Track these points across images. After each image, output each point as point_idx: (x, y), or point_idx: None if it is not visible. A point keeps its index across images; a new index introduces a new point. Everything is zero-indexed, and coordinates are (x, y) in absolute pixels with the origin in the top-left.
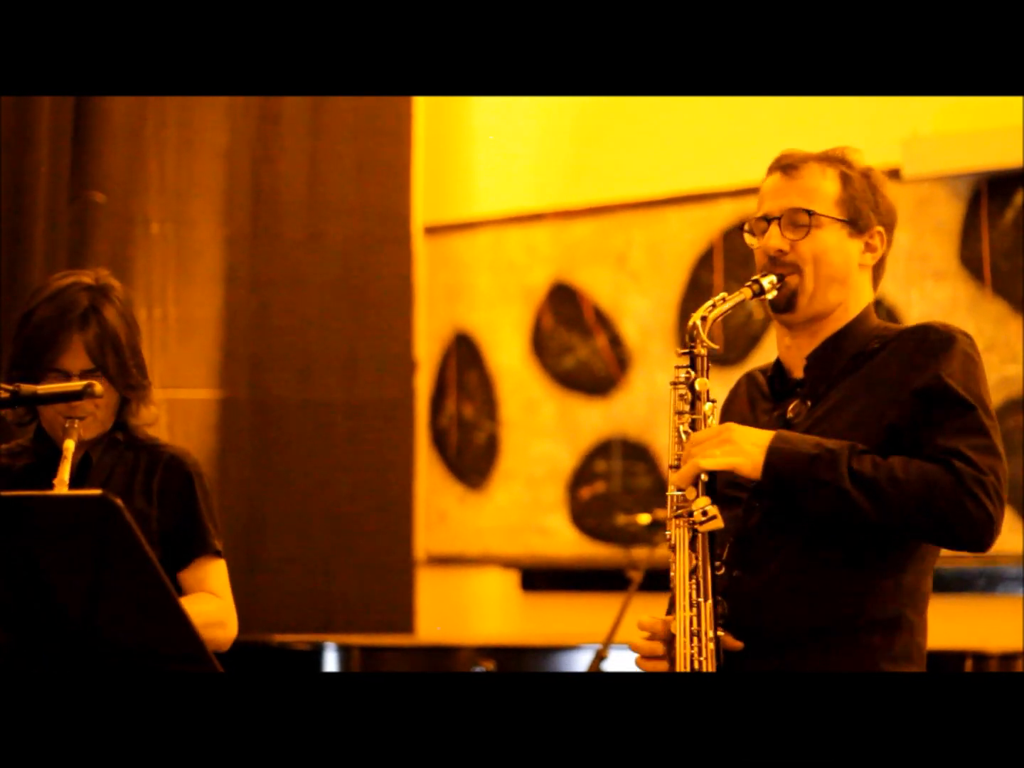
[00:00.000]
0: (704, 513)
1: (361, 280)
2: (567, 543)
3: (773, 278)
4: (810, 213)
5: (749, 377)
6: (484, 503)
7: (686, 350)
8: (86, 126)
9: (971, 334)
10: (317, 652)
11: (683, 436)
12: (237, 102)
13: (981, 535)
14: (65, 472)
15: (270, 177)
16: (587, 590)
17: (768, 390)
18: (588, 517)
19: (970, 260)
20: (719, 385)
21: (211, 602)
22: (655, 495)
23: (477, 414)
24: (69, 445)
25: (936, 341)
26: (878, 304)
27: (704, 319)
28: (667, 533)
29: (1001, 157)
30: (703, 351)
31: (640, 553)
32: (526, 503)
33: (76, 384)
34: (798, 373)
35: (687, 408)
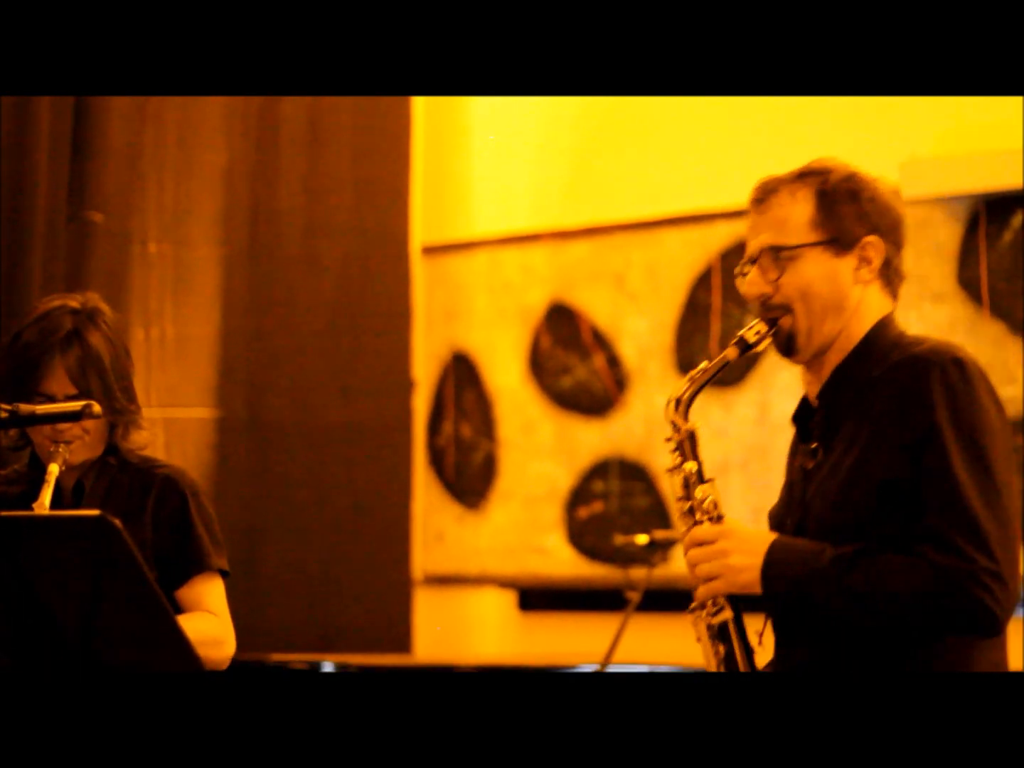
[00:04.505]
0: (715, 604)
1: (359, 300)
2: (565, 563)
3: (760, 328)
4: (778, 249)
5: None
6: (482, 523)
7: (670, 438)
8: (84, 146)
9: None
10: (314, 671)
11: (683, 522)
12: (235, 123)
13: (984, 624)
14: (46, 496)
15: (268, 197)
16: (585, 610)
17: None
18: (586, 537)
19: (968, 282)
20: (720, 410)
21: (208, 621)
22: (653, 515)
23: (475, 434)
24: (53, 469)
25: (920, 378)
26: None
27: (679, 401)
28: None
29: (999, 179)
30: (684, 435)
31: (638, 573)
32: (524, 523)
33: (75, 404)
34: None
35: (683, 494)
